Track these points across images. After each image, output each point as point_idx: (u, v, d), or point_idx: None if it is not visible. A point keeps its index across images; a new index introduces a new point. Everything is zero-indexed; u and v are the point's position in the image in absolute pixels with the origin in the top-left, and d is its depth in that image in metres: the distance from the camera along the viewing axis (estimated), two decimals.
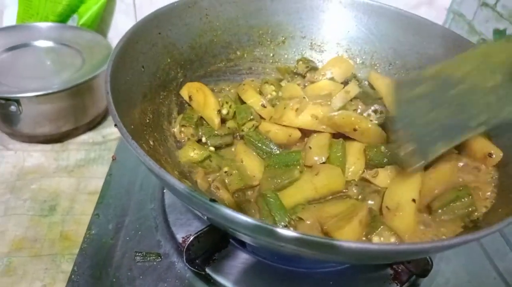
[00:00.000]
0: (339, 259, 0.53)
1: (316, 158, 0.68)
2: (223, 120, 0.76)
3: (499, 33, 1.04)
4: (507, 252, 0.75)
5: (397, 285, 0.65)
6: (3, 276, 0.79)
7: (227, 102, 0.77)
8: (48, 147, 1.06)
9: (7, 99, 0.94)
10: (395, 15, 0.84)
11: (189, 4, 0.75)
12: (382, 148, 0.69)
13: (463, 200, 0.61)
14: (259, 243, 0.48)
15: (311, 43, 0.90)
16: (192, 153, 0.68)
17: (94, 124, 1.11)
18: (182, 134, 0.74)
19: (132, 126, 0.57)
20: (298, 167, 0.65)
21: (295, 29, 0.87)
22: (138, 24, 0.66)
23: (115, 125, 0.49)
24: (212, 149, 0.72)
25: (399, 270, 0.67)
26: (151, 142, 0.62)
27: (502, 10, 1.03)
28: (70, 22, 1.22)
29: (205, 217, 0.51)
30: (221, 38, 0.82)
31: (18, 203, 0.92)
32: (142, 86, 0.66)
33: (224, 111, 0.76)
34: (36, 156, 1.03)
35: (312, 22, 0.88)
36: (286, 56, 0.91)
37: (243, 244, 0.67)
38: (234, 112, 0.77)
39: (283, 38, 0.88)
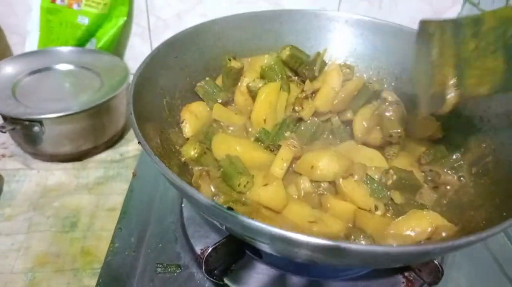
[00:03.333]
0: (352, 263, 0.56)
1: None
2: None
3: None
4: None
5: None
6: None
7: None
8: (69, 165, 1.10)
9: (31, 120, 0.99)
10: (400, 31, 0.87)
11: (203, 29, 0.80)
12: None
13: None
14: (274, 248, 0.51)
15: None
16: (193, 151, 0.70)
17: (112, 143, 1.16)
18: None
19: (154, 143, 0.61)
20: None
21: (304, 47, 0.90)
22: (157, 49, 0.71)
23: (139, 142, 0.53)
24: None
25: (411, 278, 0.69)
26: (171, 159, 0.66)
27: None
28: (88, 46, 1.28)
29: (223, 227, 0.54)
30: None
31: (41, 219, 0.96)
32: (161, 106, 0.70)
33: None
34: (58, 174, 1.07)
35: (320, 41, 0.91)
36: None
37: (259, 255, 0.70)
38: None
39: None
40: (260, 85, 0.77)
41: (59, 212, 0.98)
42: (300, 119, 0.78)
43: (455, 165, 0.74)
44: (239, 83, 0.80)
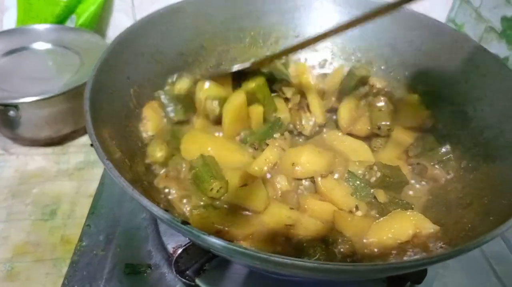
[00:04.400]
0: (318, 277, 0.53)
1: None
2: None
3: (506, 20, 1.00)
4: (507, 254, 0.73)
5: None
6: (6, 280, 0.81)
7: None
8: (49, 150, 1.07)
9: (5, 105, 0.95)
10: None
11: (175, 10, 0.74)
12: None
13: None
14: (237, 262, 0.48)
15: None
16: (159, 153, 0.65)
17: None
18: None
19: (115, 142, 0.56)
20: None
21: (288, 28, 0.85)
22: (123, 35, 0.66)
23: (91, 145, 0.49)
24: None
25: (393, 276, 0.65)
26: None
27: None
28: (68, 23, 1.22)
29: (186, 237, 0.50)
30: (211, 42, 0.80)
31: (20, 207, 0.94)
32: (128, 97, 0.65)
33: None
34: (38, 159, 1.04)
35: (305, 21, 0.85)
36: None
37: None
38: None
39: (276, 38, 0.86)
40: (216, 105, 0.69)
41: (39, 199, 0.96)
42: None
43: (444, 158, 0.69)
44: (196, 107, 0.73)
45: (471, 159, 0.67)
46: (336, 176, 0.64)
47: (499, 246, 0.74)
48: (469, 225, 0.56)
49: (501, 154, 0.63)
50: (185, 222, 0.42)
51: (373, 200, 0.65)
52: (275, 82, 0.80)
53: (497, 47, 1.00)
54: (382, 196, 0.65)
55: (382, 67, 0.84)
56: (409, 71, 0.81)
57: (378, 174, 0.65)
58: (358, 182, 0.65)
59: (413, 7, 0.82)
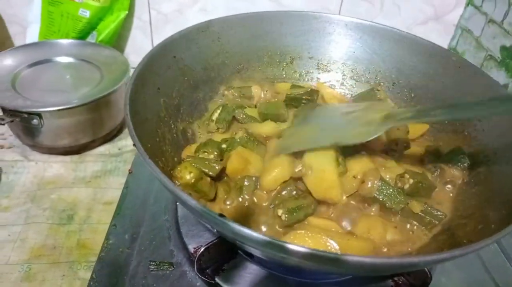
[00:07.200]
0: (342, 271, 0.57)
1: None
2: None
3: (505, 50, 1.07)
4: (507, 266, 0.78)
5: None
6: (23, 281, 0.83)
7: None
8: (67, 158, 1.10)
9: (30, 113, 1.00)
10: (398, 36, 0.88)
11: (202, 29, 0.80)
12: None
13: None
14: (265, 254, 0.52)
15: (318, 63, 0.95)
16: (188, 176, 0.66)
17: (110, 136, 1.16)
18: None
19: (149, 145, 0.61)
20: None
21: (303, 50, 0.91)
22: (155, 49, 0.71)
23: (134, 145, 0.53)
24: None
25: (400, 282, 0.70)
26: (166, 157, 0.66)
27: (509, 27, 1.05)
28: (89, 39, 1.28)
29: (215, 230, 0.55)
30: (233, 60, 0.86)
31: (38, 211, 0.97)
32: (158, 106, 0.71)
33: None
34: (56, 167, 1.08)
35: (319, 43, 0.92)
36: (295, 75, 0.95)
37: (251, 256, 0.71)
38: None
39: (291, 58, 0.93)
40: None
41: (56, 205, 0.99)
42: None
43: (459, 156, 0.74)
44: None
45: (474, 175, 0.72)
46: (369, 184, 0.67)
47: (500, 258, 0.79)
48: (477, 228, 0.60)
49: (502, 170, 0.69)
50: (222, 215, 0.46)
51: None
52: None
53: (496, 75, 1.06)
54: (416, 206, 0.68)
55: (390, 89, 0.91)
56: (414, 93, 0.87)
57: (411, 181, 0.69)
58: (391, 190, 0.68)
59: (417, 34, 0.89)
